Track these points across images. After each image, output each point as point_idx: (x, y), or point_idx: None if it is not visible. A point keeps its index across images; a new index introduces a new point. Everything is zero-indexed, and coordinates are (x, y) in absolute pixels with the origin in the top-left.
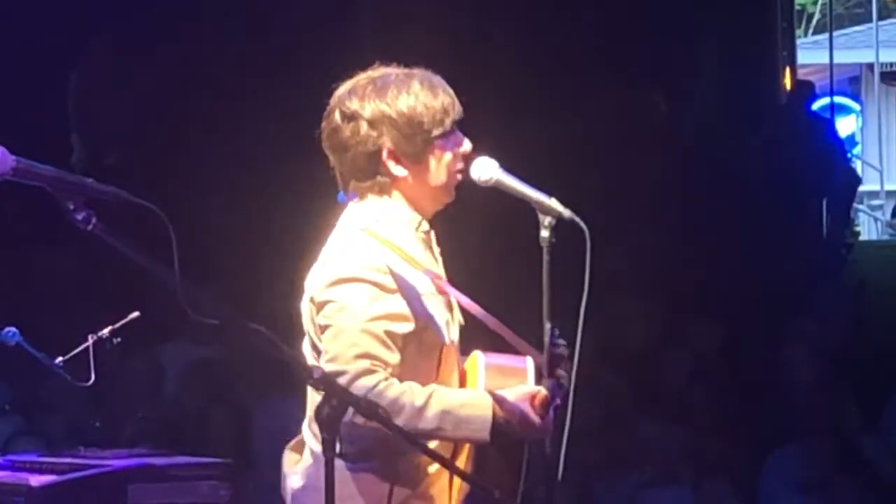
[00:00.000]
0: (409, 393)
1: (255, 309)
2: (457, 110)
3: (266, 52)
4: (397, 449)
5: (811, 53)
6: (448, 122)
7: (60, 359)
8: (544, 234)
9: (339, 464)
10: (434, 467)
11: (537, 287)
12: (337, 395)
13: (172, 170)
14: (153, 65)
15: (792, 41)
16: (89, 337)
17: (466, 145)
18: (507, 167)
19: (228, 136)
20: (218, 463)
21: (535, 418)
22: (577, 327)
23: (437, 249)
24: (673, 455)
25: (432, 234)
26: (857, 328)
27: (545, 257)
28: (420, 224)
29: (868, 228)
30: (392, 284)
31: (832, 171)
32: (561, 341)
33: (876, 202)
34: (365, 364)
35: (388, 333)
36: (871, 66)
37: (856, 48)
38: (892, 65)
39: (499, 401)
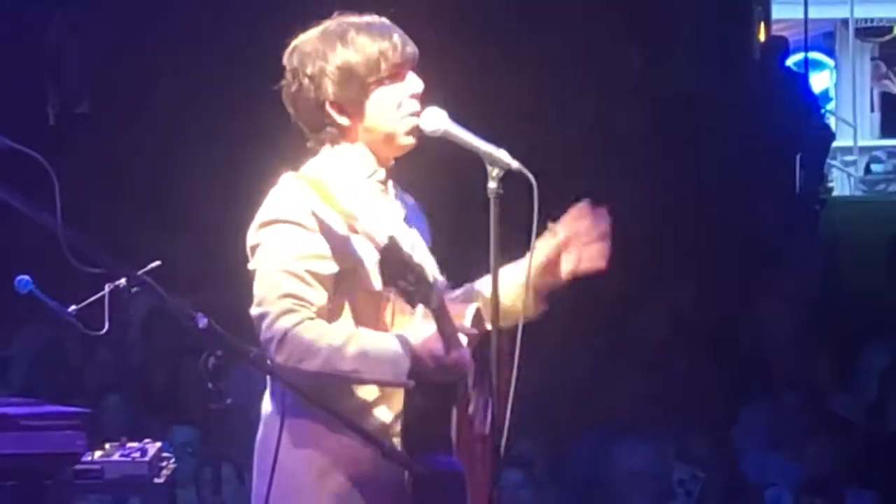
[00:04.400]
0: (329, 334)
1: (227, 259)
2: (402, 53)
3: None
4: (329, 395)
5: (786, 8)
6: (385, 66)
7: (73, 307)
8: (492, 185)
9: (277, 418)
10: (378, 410)
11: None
12: (223, 346)
13: (142, 119)
14: (124, 17)
15: None
16: (106, 286)
17: (414, 87)
18: (481, 120)
19: (201, 85)
20: (76, 412)
21: (447, 358)
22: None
23: (402, 198)
24: (647, 409)
25: (390, 183)
26: (830, 284)
27: (493, 209)
28: (375, 172)
29: (841, 184)
30: (313, 225)
31: (806, 127)
32: None
33: (849, 158)
34: (287, 304)
35: (311, 273)
36: (845, 22)
37: (830, 4)
38: (866, 20)
39: (414, 343)
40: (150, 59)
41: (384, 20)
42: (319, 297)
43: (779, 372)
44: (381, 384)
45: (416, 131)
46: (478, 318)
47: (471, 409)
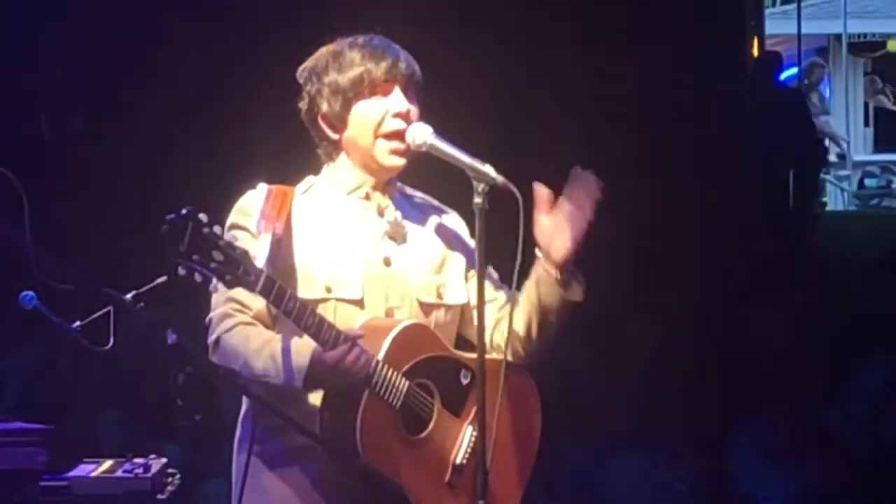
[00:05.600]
0: (253, 338)
1: None
2: (387, 71)
3: (233, 15)
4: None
5: (779, 23)
6: (367, 82)
7: (78, 323)
8: (477, 200)
9: (247, 444)
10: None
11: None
12: (191, 363)
13: (138, 134)
14: (119, 31)
15: (760, 11)
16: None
17: (398, 105)
18: (468, 134)
19: (197, 99)
20: (36, 429)
21: (339, 360)
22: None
23: (407, 214)
24: (641, 422)
25: (378, 201)
26: (823, 298)
27: (478, 223)
28: (357, 188)
29: (834, 199)
30: (256, 229)
31: (799, 142)
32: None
33: (842, 173)
34: (227, 308)
35: None
36: (838, 37)
37: (824, 18)
38: (859, 35)
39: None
40: (144, 73)
41: (386, 41)
42: (258, 301)
43: (772, 386)
44: (285, 387)
45: (402, 151)
46: (408, 337)
47: (455, 440)
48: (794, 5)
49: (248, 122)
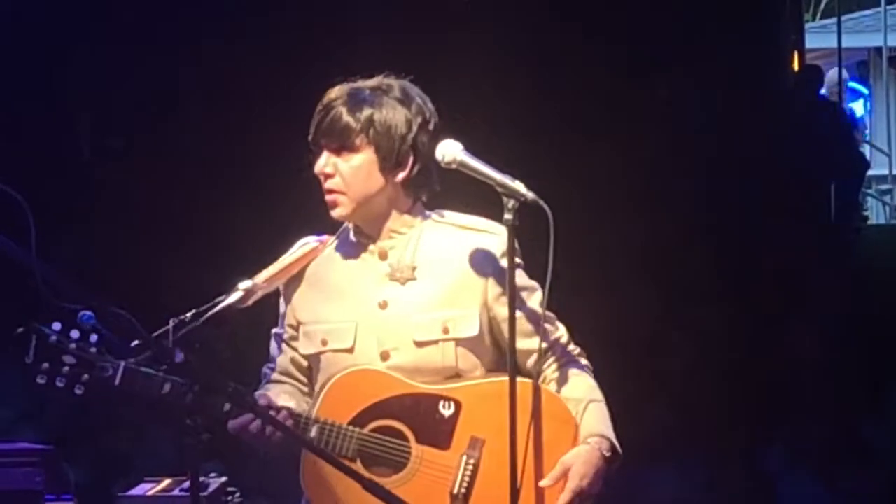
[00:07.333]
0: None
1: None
2: (313, 131)
3: (276, 41)
4: None
5: (819, 37)
6: (311, 135)
7: (135, 342)
8: (507, 216)
9: None
10: None
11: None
12: (199, 382)
13: (177, 154)
14: (160, 50)
15: (800, 25)
16: (170, 320)
17: (318, 165)
18: (500, 150)
19: (236, 121)
20: (34, 449)
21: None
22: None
23: (403, 254)
24: (675, 437)
25: (381, 244)
26: (864, 313)
27: (508, 240)
28: (358, 234)
29: (876, 213)
30: (286, 289)
31: (840, 156)
32: None
33: (884, 186)
34: (265, 367)
35: (275, 334)
36: (879, 51)
37: (864, 32)
38: None
39: None
40: (185, 92)
41: (352, 94)
42: (284, 357)
43: (812, 401)
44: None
45: (332, 210)
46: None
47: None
48: (835, 19)
49: (293, 150)
